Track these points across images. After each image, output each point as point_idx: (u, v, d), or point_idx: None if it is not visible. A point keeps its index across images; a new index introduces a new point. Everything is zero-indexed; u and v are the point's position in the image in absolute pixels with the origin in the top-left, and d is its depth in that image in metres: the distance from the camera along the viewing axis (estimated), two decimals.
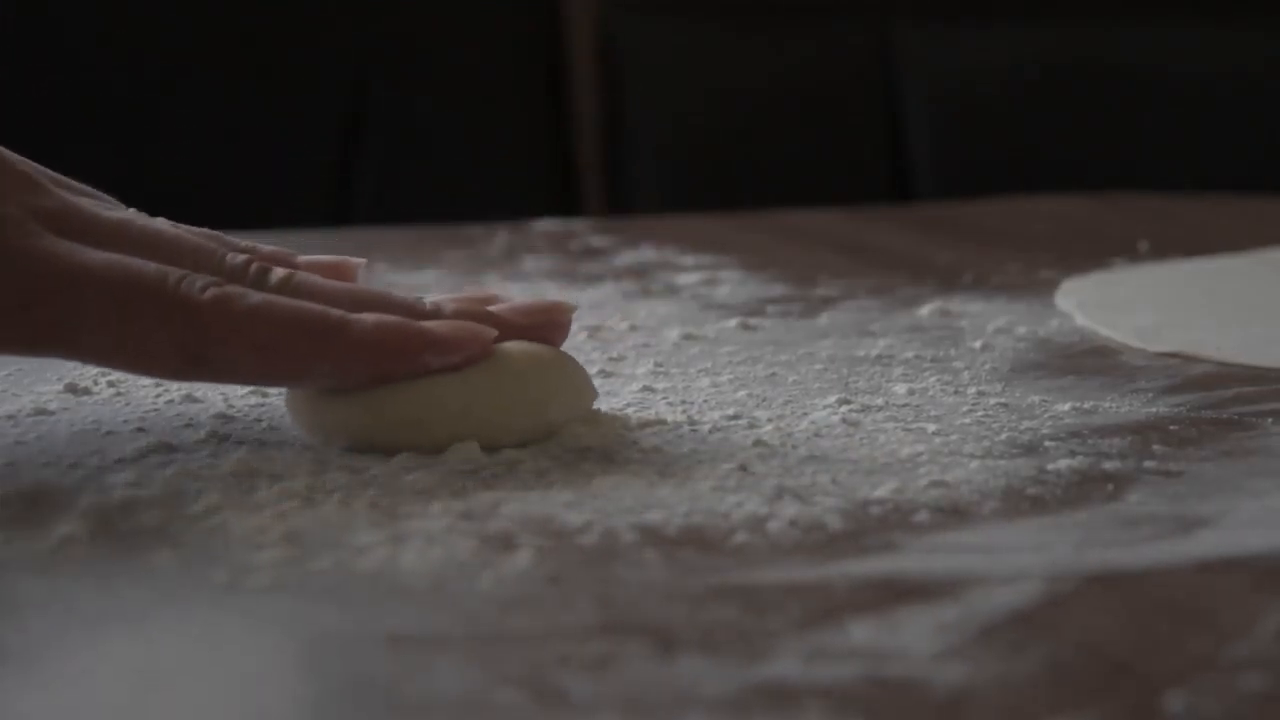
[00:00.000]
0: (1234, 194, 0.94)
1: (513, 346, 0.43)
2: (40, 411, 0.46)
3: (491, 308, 0.45)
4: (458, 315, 0.44)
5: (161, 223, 0.44)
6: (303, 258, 0.46)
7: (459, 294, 0.46)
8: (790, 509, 0.38)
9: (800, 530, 0.37)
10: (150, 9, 1.20)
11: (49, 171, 0.44)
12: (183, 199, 1.15)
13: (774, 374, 0.51)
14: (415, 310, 0.44)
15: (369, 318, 0.42)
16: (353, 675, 0.30)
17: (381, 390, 0.42)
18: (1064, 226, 0.83)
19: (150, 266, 0.41)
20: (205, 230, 0.45)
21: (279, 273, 0.43)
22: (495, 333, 0.43)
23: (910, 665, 0.30)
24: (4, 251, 0.40)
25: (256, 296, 0.41)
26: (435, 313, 0.44)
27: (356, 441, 0.42)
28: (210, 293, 0.41)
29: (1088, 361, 0.54)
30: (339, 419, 0.42)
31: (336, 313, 0.42)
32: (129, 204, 0.45)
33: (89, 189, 0.45)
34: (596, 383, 0.46)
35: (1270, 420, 0.46)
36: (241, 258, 0.43)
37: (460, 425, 0.42)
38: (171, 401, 0.47)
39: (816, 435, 0.44)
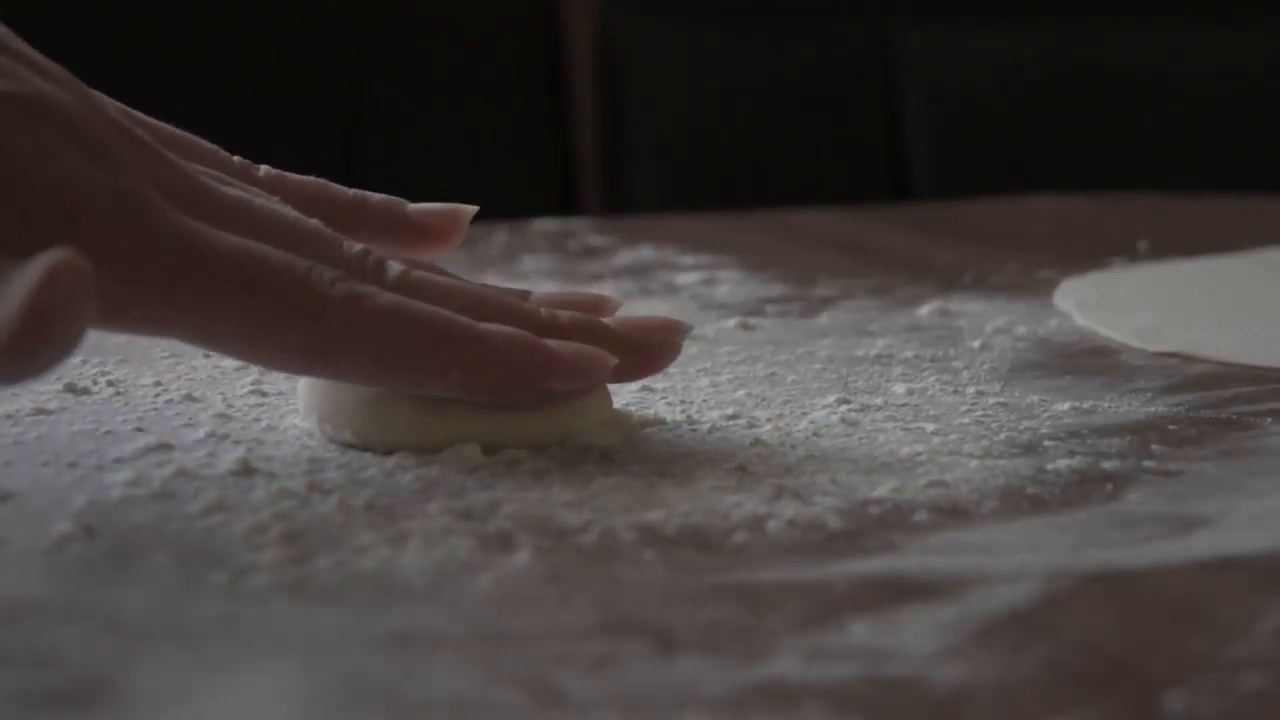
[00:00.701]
0: (1234, 194, 0.94)
1: None
2: (39, 411, 0.46)
3: (605, 319, 0.44)
4: (574, 327, 0.43)
5: (278, 201, 0.43)
6: (413, 206, 0.46)
7: (567, 293, 0.45)
8: (789, 509, 0.38)
9: (799, 530, 0.37)
10: (150, 8, 1.20)
11: (158, 125, 0.43)
12: None
13: (773, 374, 0.51)
14: (537, 321, 0.42)
15: (498, 329, 0.41)
16: (351, 675, 0.30)
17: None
18: (1063, 226, 0.83)
19: (279, 255, 0.39)
20: (315, 180, 0.44)
21: (395, 268, 0.42)
22: (615, 360, 0.42)
23: (909, 665, 0.30)
24: (142, 232, 0.38)
25: (387, 298, 0.40)
26: (553, 322, 0.43)
27: (363, 436, 0.42)
28: (340, 289, 0.40)
29: (1087, 361, 0.54)
30: (371, 418, 0.42)
31: (465, 322, 0.41)
32: None
33: (206, 145, 0.44)
34: None
35: (1269, 420, 0.46)
36: (358, 248, 0.42)
37: (469, 431, 0.42)
38: (171, 401, 0.47)
39: (815, 435, 0.44)
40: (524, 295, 0.45)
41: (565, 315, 0.43)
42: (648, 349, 0.44)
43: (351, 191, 0.46)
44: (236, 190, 0.42)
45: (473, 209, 0.47)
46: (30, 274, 0.34)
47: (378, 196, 0.46)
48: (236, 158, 0.45)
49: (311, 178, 0.46)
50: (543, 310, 0.43)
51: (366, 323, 0.40)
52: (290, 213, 0.42)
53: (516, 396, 0.41)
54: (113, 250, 0.37)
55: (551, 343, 0.41)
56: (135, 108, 0.43)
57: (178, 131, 0.44)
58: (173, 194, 0.39)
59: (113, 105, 0.41)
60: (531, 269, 0.71)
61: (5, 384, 0.40)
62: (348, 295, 0.40)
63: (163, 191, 0.39)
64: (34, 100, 0.38)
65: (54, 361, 0.35)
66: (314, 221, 0.42)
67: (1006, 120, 1.30)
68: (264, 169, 0.45)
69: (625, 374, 0.43)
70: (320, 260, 0.40)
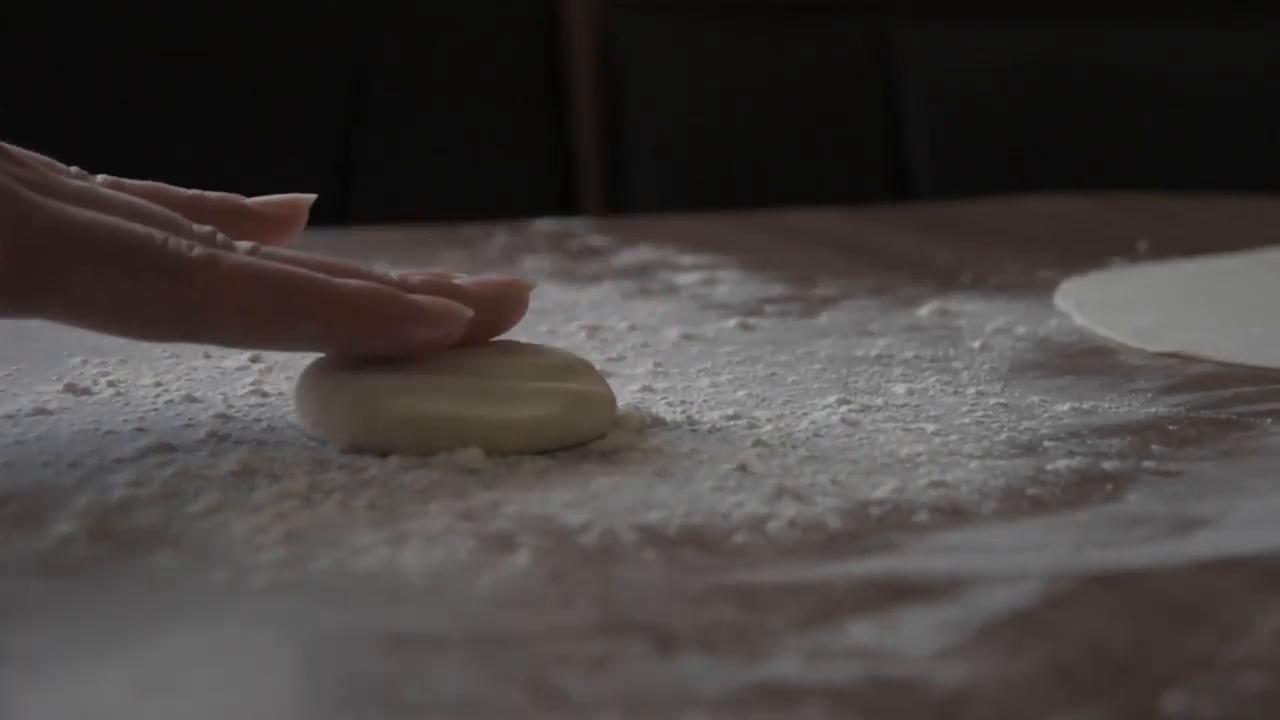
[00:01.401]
0: (1234, 194, 0.94)
1: (545, 361, 0.44)
2: (40, 411, 0.46)
3: (456, 282, 0.45)
4: (426, 285, 0.44)
5: (121, 193, 0.44)
6: (251, 200, 0.47)
7: (422, 271, 0.46)
8: (790, 509, 0.38)
9: (800, 530, 0.37)
10: (150, 8, 1.20)
11: (15, 147, 0.44)
12: None
13: (773, 374, 0.51)
14: (387, 280, 0.44)
15: (356, 282, 0.42)
16: (352, 675, 0.30)
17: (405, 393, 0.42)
18: (1063, 226, 0.83)
19: (137, 226, 0.41)
20: (150, 184, 0.45)
21: (243, 245, 0.43)
22: (471, 312, 0.43)
23: (910, 665, 0.30)
24: (2, 213, 0.39)
25: (243, 258, 0.41)
26: (404, 282, 0.44)
27: (370, 440, 0.42)
28: (198, 251, 0.41)
29: (1087, 361, 0.54)
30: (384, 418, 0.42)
31: (322, 277, 0.42)
32: None
33: (42, 157, 0.45)
34: None
35: (1269, 420, 0.46)
36: (206, 228, 0.43)
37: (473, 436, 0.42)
38: (171, 401, 0.47)
39: (816, 435, 0.44)
40: (379, 271, 0.45)
41: (416, 277, 0.44)
42: (495, 305, 0.44)
43: (189, 190, 0.47)
44: (83, 183, 0.43)
45: (310, 197, 0.48)
46: None
47: (215, 194, 0.47)
48: (74, 168, 0.45)
49: (148, 181, 0.47)
50: (393, 273, 0.44)
51: (228, 279, 0.41)
52: (137, 200, 0.44)
53: (379, 345, 0.42)
54: None
55: (411, 295, 0.43)
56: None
57: (13, 147, 0.45)
58: (27, 185, 0.41)
59: None
60: (532, 269, 0.71)
61: None
62: (205, 256, 0.41)
63: (16, 180, 0.41)
64: None
65: None
66: (159, 206, 0.43)
67: (1006, 120, 1.30)
68: (100, 176, 0.46)
69: (479, 331, 0.44)
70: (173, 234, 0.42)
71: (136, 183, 0.46)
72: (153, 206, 0.43)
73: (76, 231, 0.40)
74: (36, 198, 0.40)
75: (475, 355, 0.44)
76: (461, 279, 0.45)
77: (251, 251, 0.43)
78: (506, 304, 0.45)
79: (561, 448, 0.42)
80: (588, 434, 0.43)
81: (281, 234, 0.47)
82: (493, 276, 0.46)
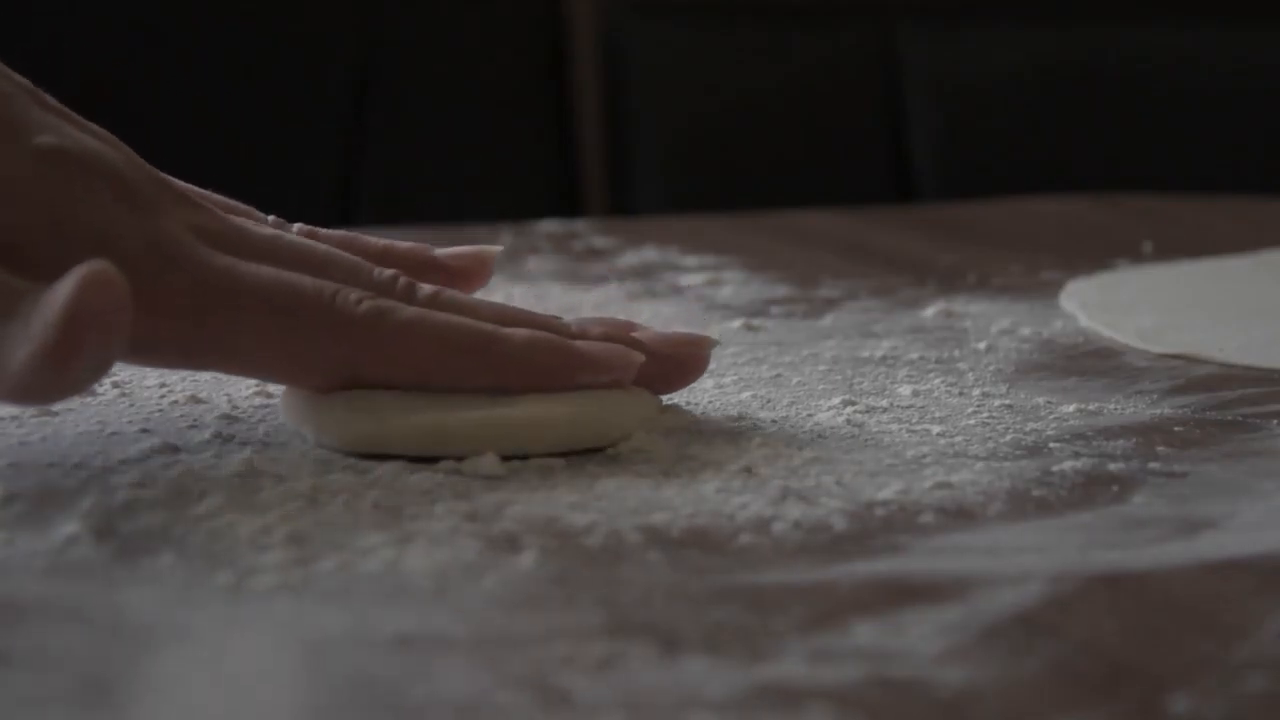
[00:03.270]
0: (1239, 195, 0.94)
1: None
2: (44, 412, 0.46)
3: (635, 334, 0.45)
4: (604, 336, 0.44)
5: (309, 240, 0.45)
6: (440, 251, 0.47)
7: (602, 317, 0.46)
8: (795, 510, 0.38)
9: (805, 532, 0.37)
10: (150, 9, 1.20)
11: (206, 193, 0.45)
12: None
13: (778, 375, 0.51)
14: (565, 331, 0.44)
15: (521, 333, 0.42)
16: (357, 676, 0.30)
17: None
18: (1068, 227, 0.83)
19: (306, 280, 0.42)
20: (344, 233, 0.46)
21: (426, 289, 0.43)
22: (643, 357, 0.43)
23: (914, 666, 0.30)
24: (173, 266, 0.40)
25: (411, 311, 0.42)
26: (583, 333, 0.44)
27: (386, 445, 0.42)
28: (365, 306, 0.41)
29: (1092, 363, 0.54)
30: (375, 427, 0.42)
31: (490, 327, 0.42)
32: None
33: (243, 206, 0.46)
34: None
35: (1275, 422, 0.46)
36: (389, 273, 0.43)
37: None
38: (176, 403, 0.47)
39: (821, 436, 0.44)
40: (555, 319, 0.45)
41: (596, 328, 0.45)
42: (676, 361, 0.45)
43: (381, 241, 0.48)
44: (269, 230, 0.44)
45: (497, 248, 0.49)
46: (65, 285, 0.35)
47: (405, 244, 0.48)
48: (271, 216, 0.47)
49: (341, 231, 0.48)
50: (573, 324, 0.45)
51: (392, 336, 0.41)
52: (321, 246, 0.44)
53: (549, 392, 0.42)
54: (145, 284, 0.38)
55: (578, 343, 0.43)
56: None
57: (213, 194, 0.46)
58: (207, 235, 0.42)
59: (151, 167, 0.44)
60: (536, 270, 0.71)
61: (36, 402, 0.41)
62: (372, 311, 0.41)
63: (197, 233, 0.42)
64: (81, 154, 0.41)
65: (87, 377, 0.37)
66: (344, 253, 0.44)
67: (1010, 121, 1.30)
68: (296, 225, 0.47)
69: (657, 385, 0.45)
70: (351, 285, 0.42)
71: (332, 232, 0.47)
72: (336, 253, 0.44)
73: (246, 289, 0.41)
74: (207, 254, 0.41)
75: None
76: (643, 331, 0.45)
77: (433, 296, 0.43)
78: (687, 361, 0.45)
79: (595, 444, 0.42)
80: (619, 432, 0.43)
81: (468, 286, 0.47)
82: (678, 331, 0.47)
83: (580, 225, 0.84)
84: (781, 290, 0.66)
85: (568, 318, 0.45)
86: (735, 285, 0.67)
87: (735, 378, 0.51)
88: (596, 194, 1.30)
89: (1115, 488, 0.40)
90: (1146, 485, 0.41)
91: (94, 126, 0.43)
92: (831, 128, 1.30)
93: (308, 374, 0.42)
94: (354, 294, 0.42)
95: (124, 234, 0.40)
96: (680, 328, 0.58)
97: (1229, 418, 0.47)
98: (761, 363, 0.53)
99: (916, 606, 0.33)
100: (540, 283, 0.68)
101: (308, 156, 1.23)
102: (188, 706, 0.29)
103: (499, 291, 0.66)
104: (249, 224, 0.44)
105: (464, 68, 1.27)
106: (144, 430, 0.44)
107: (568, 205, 1.25)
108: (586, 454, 0.42)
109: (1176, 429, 0.46)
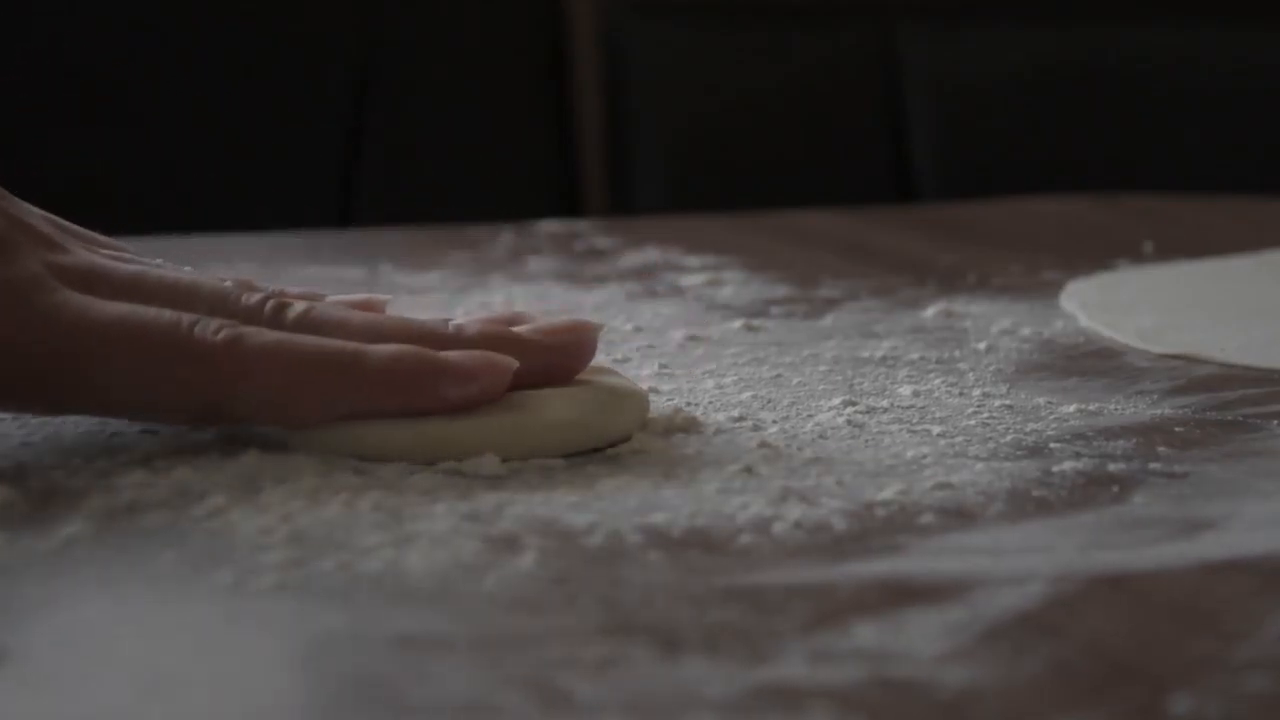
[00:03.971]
0: (1239, 195, 0.94)
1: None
2: None
3: (516, 328, 0.44)
4: (482, 337, 0.43)
5: (185, 270, 0.44)
6: (331, 298, 0.46)
7: (486, 314, 0.46)
8: (795, 511, 0.38)
9: (805, 532, 0.37)
10: (150, 9, 1.20)
11: (72, 226, 0.45)
12: (186, 202, 1.16)
13: (779, 375, 0.51)
14: (438, 335, 0.43)
15: (384, 349, 0.41)
16: (357, 676, 0.30)
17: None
18: (1067, 227, 0.83)
19: (164, 314, 0.41)
20: (232, 278, 0.45)
21: (297, 307, 0.43)
22: (516, 363, 0.42)
23: (915, 667, 0.30)
24: (27, 312, 0.40)
25: (270, 335, 0.41)
26: (457, 337, 0.43)
27: (383, 453, 0.42)
28: (223, 334, 0.41)
29: (1092, 363, 0.54)
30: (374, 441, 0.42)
31: (351, 346, 0.41)
32: (129, 211, 0.46)
33: (112, 241, 0.46)
34: None
35: (1275, 422, 0.46)
36: (257, 296, 0.43)
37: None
38: None
39: (821, 437, 0.44)
40: (445, 323, 0.44)
41: (473, 328, 0.43)
42: (560, 351, 0.44)
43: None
44: (136, 265, 0.44)
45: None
46: None
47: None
48: (161, 260, 0.46)
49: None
50: (450, 326, 0.43)
51: (249, 362, 0.40)
52: (188, 274, 0.44)
53: (416, 408, 0.41)
54: None
55: (445, 353, 0.42)
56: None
57: (82, 230, 0.45)
58: (65, 274, 0.42)
59: (20, 204, 0.44)
60: (537, 270, 0.71)
61: None
62: (229, 339, 0.41)
63: (55, 273, 0.41)
64: None
65: None
66: (217, 279, 0.43)
67: (1010, 121, 1.30)
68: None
69: (550, 376, 0.43)
70: (218, 315, 0.41)
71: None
72: (204, 284, 0.43)
73: (99, 326, 0.40)
74: (63, 294, 0.41)
75: None
76: (525, 327, 0.44)
77: (302, 316, 0.42)
78: (572, 348, 0.44)
79: (593, 446, 0.43)
80: (619, 434, 0.43)
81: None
82: (559, 320, 0.45)
83: (581, 225, 0.84)
84: (782, 290, 0.66)
85: (563, 317, 0.45)
86: (736, 285, 0.67)
87: (736, 378, 0.51)
88: (596, 194, 1.30)
89: (1116, 488, 0.40)
90: (1147, 485, 0.41)
91: None
92: (831, 128, 1.30)
93: (170, 410, 0.42)
94: (214, 324, 0.41)
95: None
96: (679, 327, 0.58)
97: (1229, 418, 0.47)
98: (762, 363, 0.53)
99: (917, 607, 0.33)
100: (541, 283, 0.68)
101: (308, 156, 1.23)
102: (189, 706, 0.29)
103: (499, 292, 0.66)
104: (111, 262, 0.43)
105: (464, 68, 1.27)
106: (146, 431, 0.44)
107: (568, 205, 1.25)
108: (586, 454, 0.42)
109: (1177, 429, 0.46)
